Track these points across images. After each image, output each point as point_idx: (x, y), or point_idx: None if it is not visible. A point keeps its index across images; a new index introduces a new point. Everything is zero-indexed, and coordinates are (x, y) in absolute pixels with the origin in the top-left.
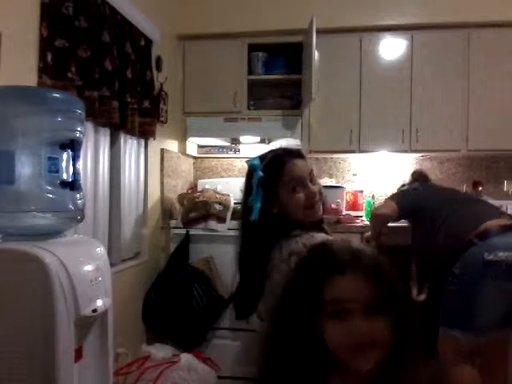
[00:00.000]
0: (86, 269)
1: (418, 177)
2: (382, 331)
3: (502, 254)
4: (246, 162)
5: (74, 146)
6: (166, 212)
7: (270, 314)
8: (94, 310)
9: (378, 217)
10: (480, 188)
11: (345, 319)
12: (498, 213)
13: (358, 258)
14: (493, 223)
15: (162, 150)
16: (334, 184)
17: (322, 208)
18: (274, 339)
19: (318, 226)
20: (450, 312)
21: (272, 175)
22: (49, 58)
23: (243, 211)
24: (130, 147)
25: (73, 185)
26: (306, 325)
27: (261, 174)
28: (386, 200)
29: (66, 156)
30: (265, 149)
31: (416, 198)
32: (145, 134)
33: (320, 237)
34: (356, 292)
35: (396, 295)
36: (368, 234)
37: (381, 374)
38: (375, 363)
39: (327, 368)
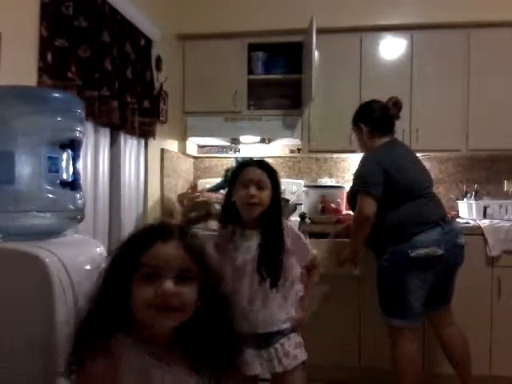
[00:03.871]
0: (86, 269)
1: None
2: (189, 297)
3: (422, 251)
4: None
5: (74, 145)
6: (166, 212)
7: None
8: None
9: (369, 218)
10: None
11: (155, 281)
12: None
13: (181, 232)
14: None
15: (162, 150)
16: (333, 184)
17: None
18: (92, 297)
19: (256, 225)
20: (387, 302)
21: (235, 172)
22: (49, 57)
23: None
24: (130, 147)
25: (73, 185)
26: (118, 285)
27: (230, 168)
28: (362, 196)
29: (65, 156)
30: (265, 149)
31: (384, 180)
32: (145, 133)
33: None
34: (171, 258)
35: (208, 271)
36: (345, 254)
37: (177, 336)
38: (176, 324)
39: (116, 329)
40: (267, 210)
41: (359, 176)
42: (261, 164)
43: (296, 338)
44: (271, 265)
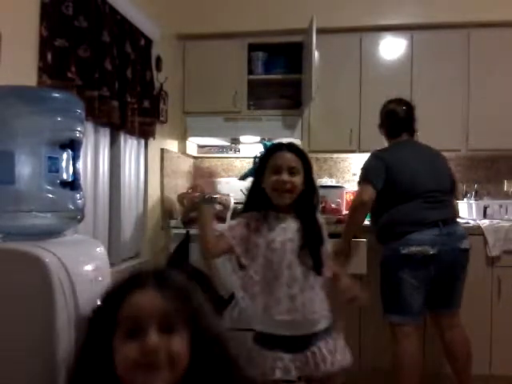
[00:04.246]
0: (86, 269)
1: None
2: (178, 349)
3: (414, 249)
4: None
5: (74, 145)
6: (166, 212)
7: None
8: None
9: (365, 204)
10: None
11: (138, 337)
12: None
13: (159, 275)
14: None
15: (162, 150)
16: (334, 184)
17: (293, 197)
18: (76, 355)
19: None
20: (385, 299)
21: (264, 158)
22: (49, 57)
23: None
24: (130, 147)
25: (73, 185)
26: (99, 347)
27: (259, 155)
28: (362, 184)
29: (65, 156)
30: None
31: (387, 172)
32: (145, 133)
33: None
34: (152, 307)
35: (197, 314)
36: (338, 244)
37: None
38: None
39: None
40: (301, 194)
41: (362, 169)
42: (291, 147)
43: (336, 341)
44: (314, 250)
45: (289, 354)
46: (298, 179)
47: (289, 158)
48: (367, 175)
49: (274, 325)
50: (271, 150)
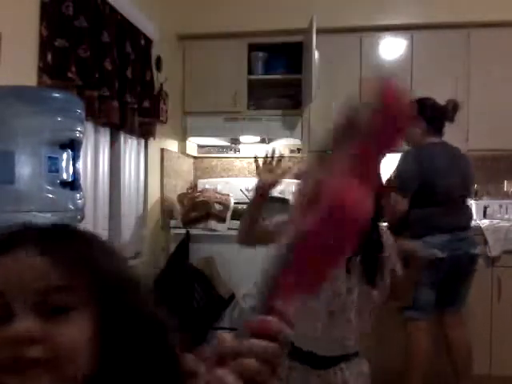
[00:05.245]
0: None
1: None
2: (70, 340)
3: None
4: None
5: (73, 145)
6: (166, 212)
7: None
8: None
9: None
10: None
11: (3, 324)
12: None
13: (46, 232)
14: None
15: (162, 150)
16: None
17: None
18: None
19: None
20: None
21: None
22: (49, 57)
23: None
24: (130, 147)
25: (73, 185)
26: None
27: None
28: (400, 194)
29: (65, 156)
30: (265, 149)
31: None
32: (145, 133)
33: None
34: (25, 278)
35: (112, 289)
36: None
37: None
38: None
39: None
40: None
41: (398, 172)
42: None
43: (359, 365)
44: (369, 259)
45: (307, 367)
46: None
47: None
48: (403, 184)
49: (304, 339)
50: None
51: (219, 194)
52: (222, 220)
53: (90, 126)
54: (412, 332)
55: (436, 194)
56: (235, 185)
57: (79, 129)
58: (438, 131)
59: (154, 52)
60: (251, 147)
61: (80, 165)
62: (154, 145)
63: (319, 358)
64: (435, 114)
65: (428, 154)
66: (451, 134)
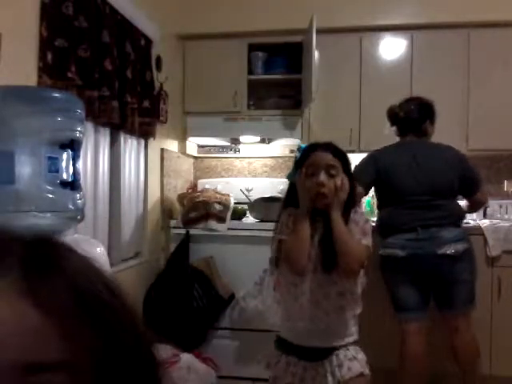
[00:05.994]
0: None
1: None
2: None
3: (388, 251)
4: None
5: (73, 145)
6: (166, 212)
7: None
8: None
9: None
10: None
11: None
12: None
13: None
14: None
15: (162, 150)
16: None
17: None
18: None
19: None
20: (389, 298)
21: (301, 158)
22: (49, 57)
23: None
24: (130, 147)
25: (73, 185)
26: None
27: (298, 154)
28: None
29: (65, 156)
30: (265, 149)
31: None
32: (145, 133)
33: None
34: None
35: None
36: None
37: None
38: None
39: None
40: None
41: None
42: (329, 147)
43: (354, 352)
44: (330, 254)
45: (304, 361)
46: (335, 179)
47: (322, 157)
48: (355, 174)
49: (295, 333)
50: (308, 150)
51: (219, 193)
52: (222, 220)
53: (90, 126)
54: (402, 336)
55: (395, 193)
56: (235, 185)
57: (79, 129)
58: (408, 132)
59: (154, 52)
60: (251, 147)
61: (80, 165)
62: (154, 145)
63: (313, 351)
64: (392, 118)
65: (385, 154)
66: (451, 134)
